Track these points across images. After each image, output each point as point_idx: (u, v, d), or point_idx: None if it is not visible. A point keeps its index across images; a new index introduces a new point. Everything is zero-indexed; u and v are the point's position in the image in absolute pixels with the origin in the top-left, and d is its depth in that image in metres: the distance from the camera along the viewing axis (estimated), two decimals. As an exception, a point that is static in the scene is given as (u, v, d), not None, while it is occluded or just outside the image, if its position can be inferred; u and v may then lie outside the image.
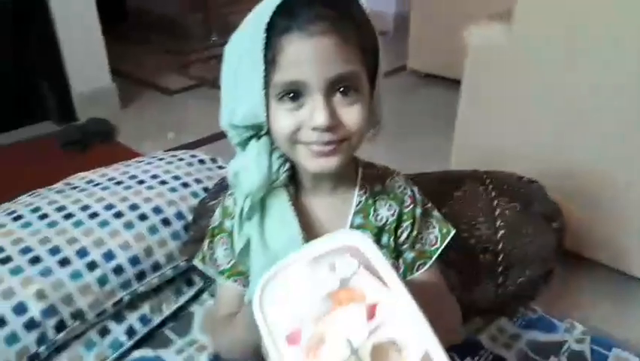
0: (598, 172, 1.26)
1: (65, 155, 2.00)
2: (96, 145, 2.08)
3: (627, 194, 1.24)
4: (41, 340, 0.95)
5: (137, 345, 1.08)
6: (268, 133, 0.61)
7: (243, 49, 0.57)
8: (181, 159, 1.33)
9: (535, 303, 1.17)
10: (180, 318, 1.15)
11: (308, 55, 0.54)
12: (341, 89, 0.57)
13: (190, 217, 1.17)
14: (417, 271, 0.69)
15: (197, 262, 0.72)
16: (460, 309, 0.69)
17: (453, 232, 0.71)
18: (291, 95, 0.57)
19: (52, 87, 2.26)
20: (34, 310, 0.95)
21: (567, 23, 1.22)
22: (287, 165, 0.63)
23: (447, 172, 1.17)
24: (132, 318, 1.09)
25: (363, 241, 0.49)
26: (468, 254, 1.02)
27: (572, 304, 1.22)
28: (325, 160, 0.59)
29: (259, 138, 0.61)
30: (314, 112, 0.56)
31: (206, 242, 0.72)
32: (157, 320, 1.12)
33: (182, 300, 1.17)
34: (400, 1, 3.34)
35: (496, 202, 1.04)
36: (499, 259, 1.03)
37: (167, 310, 1.14)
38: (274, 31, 0.55)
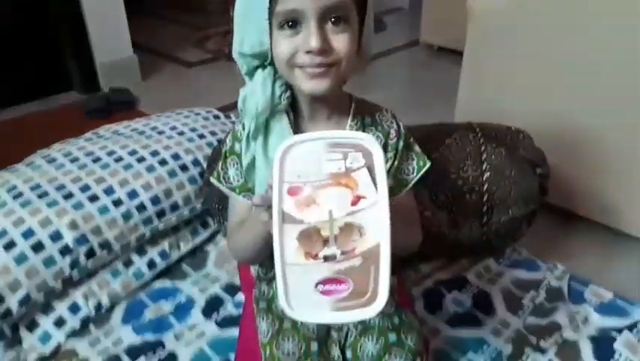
0: (591, 132, 1.31)
1: (89, 123, 2.11)
2: (118, 114, 2.18)
3: (617, 152, 1.29)
4: (74, 264, 1.08)
5: (157, 277, 1.20)
6: (272, 64, 0.71)
7: None
8: (198, 114, 1.44)
9: (521, 251, 1.26)
10: (196, 256, 1.28)
11: None
12: (332, 19, 0.67)
13: (205, 165, 1.28)
14: (393, 196, 0.79)
15: (212, 180, 0.84)
16: (420, 237, 0.80)
17: (429, 164, 0.81)
18: (290, 23, 0.67)
19: (77, 58, 2.37)
20: (68, 238, 1.07)
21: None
22: (288, 93, 0.74)
23: (442, 124, 1.25)
24: (153, 253, 1.21)
25: (376, 150, 0.61)
26: (456, 194, 1.12)
27: (558, 256, 1.27)
28: (317, 82, 0.69)
29: (264, 68, 0.72)
30: (308, 37, 0.66)
31: (220, 163, 0.83)
32: (175, 255, 1.24)
33: (197, 240, 1.29)
34: (414, -22, 3.38)
35: (483, 147, 1.13)
36: (484, 199, 1.12)
37: (185, 247, 1.26)
38: None
